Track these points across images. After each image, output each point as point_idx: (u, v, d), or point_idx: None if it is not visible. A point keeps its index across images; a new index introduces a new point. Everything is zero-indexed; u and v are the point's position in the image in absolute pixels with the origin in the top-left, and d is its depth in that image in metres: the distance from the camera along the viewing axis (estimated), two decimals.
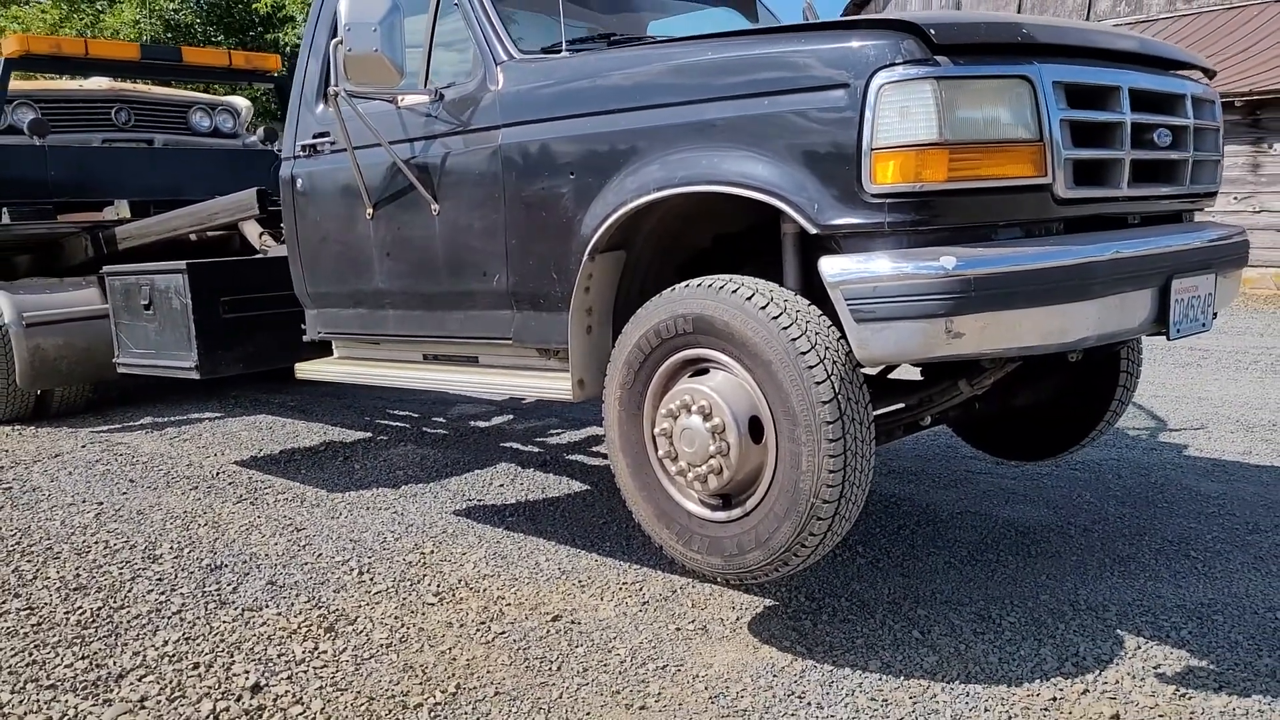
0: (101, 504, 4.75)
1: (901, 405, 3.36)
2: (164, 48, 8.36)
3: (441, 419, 6.46)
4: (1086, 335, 2.62)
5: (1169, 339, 2.93)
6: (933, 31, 2.49)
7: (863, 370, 2.77)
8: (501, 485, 4.91)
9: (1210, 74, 3.45)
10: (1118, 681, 2.87)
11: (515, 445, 5.73)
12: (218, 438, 6.08)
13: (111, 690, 2.96)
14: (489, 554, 3.97)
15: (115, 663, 3.13)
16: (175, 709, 2.84)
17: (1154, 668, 2.93)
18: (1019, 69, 2.57)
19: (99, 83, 7.87)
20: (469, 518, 4.43)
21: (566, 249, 3.20)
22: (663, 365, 3.01)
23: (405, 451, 5.61)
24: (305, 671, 3.04)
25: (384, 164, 3.73)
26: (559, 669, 3.02)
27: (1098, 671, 2.92)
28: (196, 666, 3.09)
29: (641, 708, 2.80)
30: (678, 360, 2.98)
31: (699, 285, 2.89)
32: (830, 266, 2.58)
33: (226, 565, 3.93)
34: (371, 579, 3.75)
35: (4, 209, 6.70)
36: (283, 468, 5.35)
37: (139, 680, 3.02)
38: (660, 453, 2.99)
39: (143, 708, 2.86)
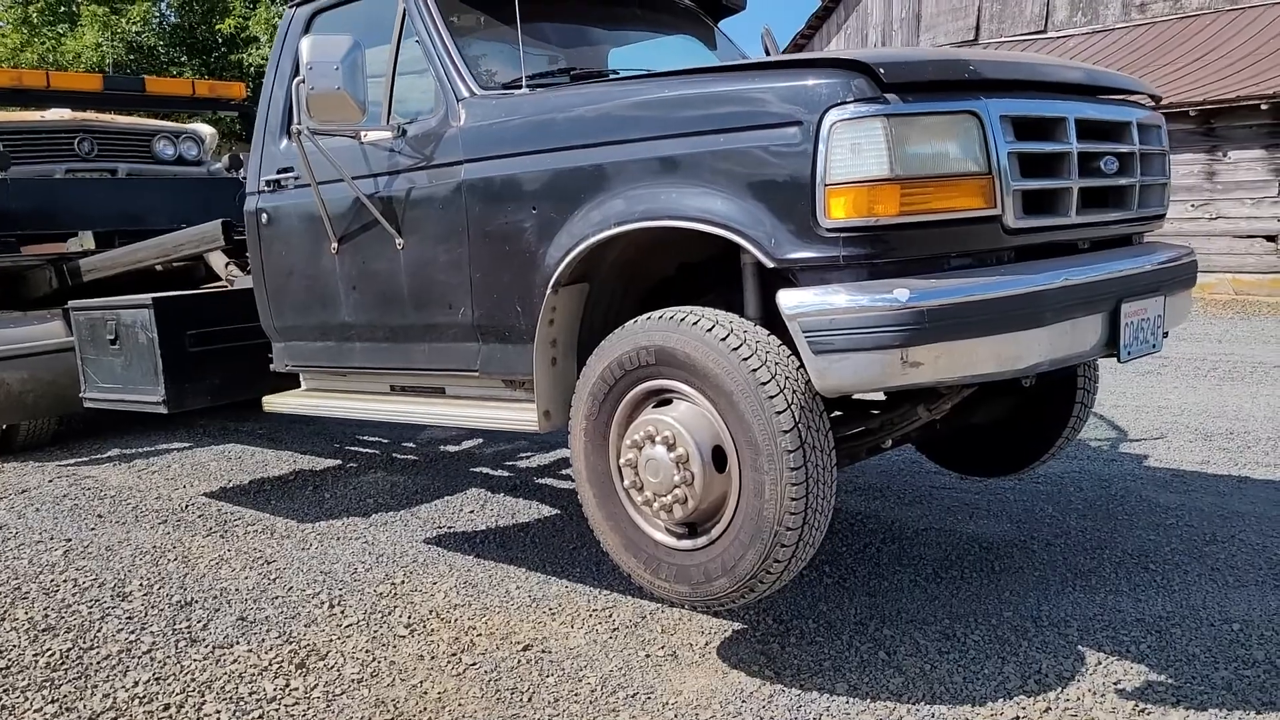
0: (69, 540, 4.72)
1: (862, 429, 3.42)
2: (127, 78, 8.31)
3: (411, 444, 6.47)
4: (1039, 361, 2.69)
5: (1120, 361, 3.00)
6: (882, 70, 2.56)
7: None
8: (472, 511, 4.92)
9: (1156, 100, 3.55)
10: (1079, 699, 2.93)
11: (485, 470, 5.74)
12: (186, 469, 6.06)
13: None
14: (460, 583, 3.99)
15: (85, 705, 3.12)
16: None
17: (1114, 683, 3.00)
18: (966, 104, 2.64)
19: (61, 113, 7.83)
20: (440, 546, 4.44)
21: (530, 282, 3.24)
22: (626, 396, 3.05)
23: (375, 479, 5.62)
24: (276, 710, 3.05)
25: (348, 199, 3.76)
26: (530, 700, 3.05)
27: (1060, 689, 2.98)
28: (168, 708, 3.09)
29: None
30: (641, 391, 3.02)
31: (660, 317, 2.94)
32: (788, 299, 2.64)
33: (196, 601, 3.92)
34: (342, 612, 3.76)
35: None
36: (252, 498, 5.34)
37: None
38: (626, 483, 3.03)
39: None
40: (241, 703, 3.10)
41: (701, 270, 3.43)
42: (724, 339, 2.77)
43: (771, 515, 2.73)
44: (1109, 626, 3.36)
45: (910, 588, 3.76)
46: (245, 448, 6.55)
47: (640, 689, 3.08)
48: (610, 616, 3.60)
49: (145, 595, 4.01)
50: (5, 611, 3.90)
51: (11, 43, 27.77)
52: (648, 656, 3.29)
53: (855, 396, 3.74)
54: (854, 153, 2.54)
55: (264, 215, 4.18)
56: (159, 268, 6.47)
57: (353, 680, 3.22)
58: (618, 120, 3.05)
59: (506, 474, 5.63)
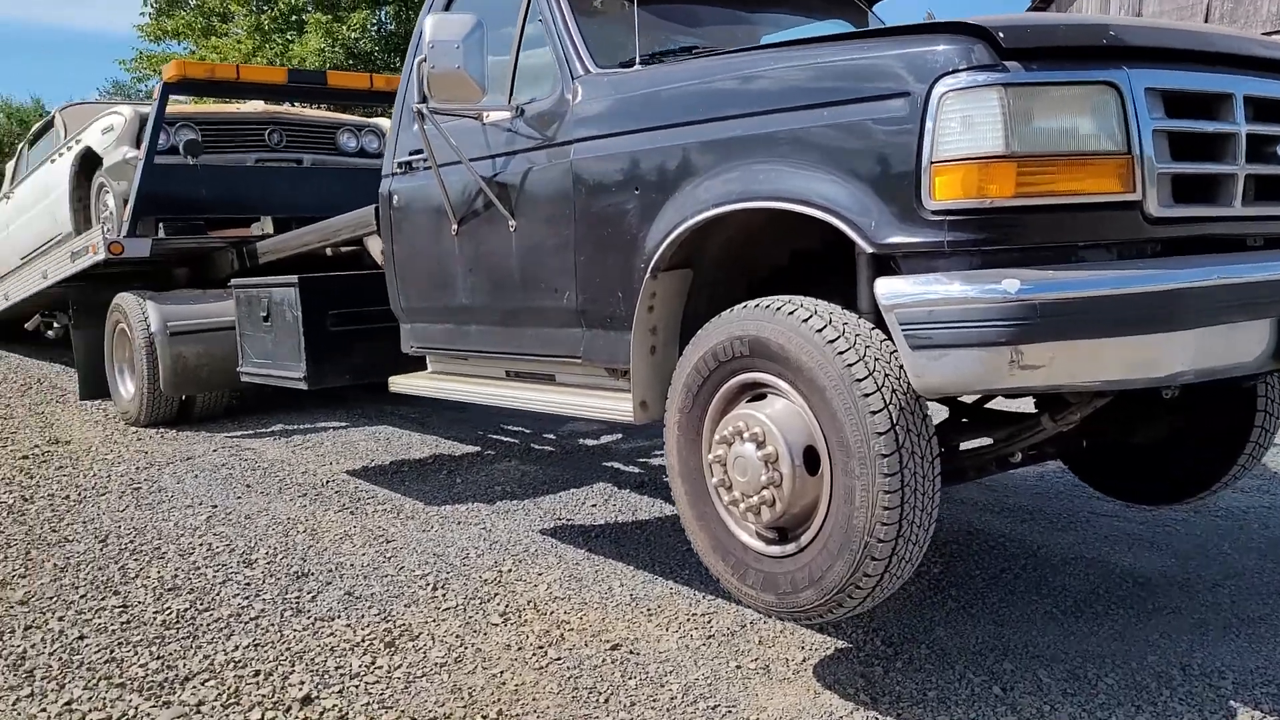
0: (216, 508, 4.93)
1: (979, 439, 3.11)
2: (310, 72, 8.76)
3: (552, 435, 6.46)
4: (1181, 370, 2.34)
5: None
6: (1001, 35, 2.29)
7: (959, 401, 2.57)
8: (594, 505, 4.84)
9: None
10: None
11: (617, 465, 5.66)
12: (337, 446, 6.26)
13: (174, 692, 3.03)
14: (565, 575, 3.90)
15: (185, 665, 3.20)
16: (227, 715, 2.88)
17: None
18: (1102, 74, 2.33)
19: (255, 106, 8.29)
20: (554, 537, 4.38)
21: (630, 267, 3.11)
22: (721, 389, 2.87)
23: (508, 467, 5.63)
24: (357, 686, 3.03)
25: (466, 180, 3.74)
26: (606, 702, 2.92)
27: None
28: (257, 674, 3.13)
29: None
30: (735, 384, 2.84)
31: (756, 306, 2.75)
32: (885, 288, 2.40)
33: (312, 574, 3.99)
34: (444, 595, 3.74)
35: (160, 224, 7.10)
36: (389, 479, 5.44)
37: (201, 684, 3.08)
38: (714, 480, 2.86)
39: (198, 712, 2.91)
40: (326, 675, 3.10)
41: (816, 260, 3.21)
42: (820, 330, 2.56)
43: (862, 525, 2.49)
44: (1272, 683, 2.93)
45: (1044, 620, 3.40)
46: (395, 430, 6.72)
47: (723, 701, 2.90)
48: (709, 623, 3.42)
49: (268, 564, 4.12)
50: (141, 570, 4.09)
51: (245, 48, 29.91)
52: (738, 668, 3.10)
53: (986, 404, 3.43)
54: (965, 126, 2.29)
55: (395, 198, 4.22)
56: (329, 252, 6.71)
57: (436, 664, 3.17)
58: (720, 95, 2.88)
59: (636, 470, 5.52)
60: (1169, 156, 2.40)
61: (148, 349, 6.48)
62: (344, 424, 6.96)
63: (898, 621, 3.40)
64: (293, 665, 3.18)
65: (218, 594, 3.80)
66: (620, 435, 6.39)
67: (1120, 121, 2.33)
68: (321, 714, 2.88)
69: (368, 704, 2.92)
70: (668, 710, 2.86)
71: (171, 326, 6.37)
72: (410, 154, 4.16)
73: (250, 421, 7.09)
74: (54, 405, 7.78)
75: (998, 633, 3.31)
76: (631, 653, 3.22)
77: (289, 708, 2.91)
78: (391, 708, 2.90)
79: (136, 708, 2.94)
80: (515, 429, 6.69)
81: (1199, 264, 2.39)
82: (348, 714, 2.87)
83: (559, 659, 3.19)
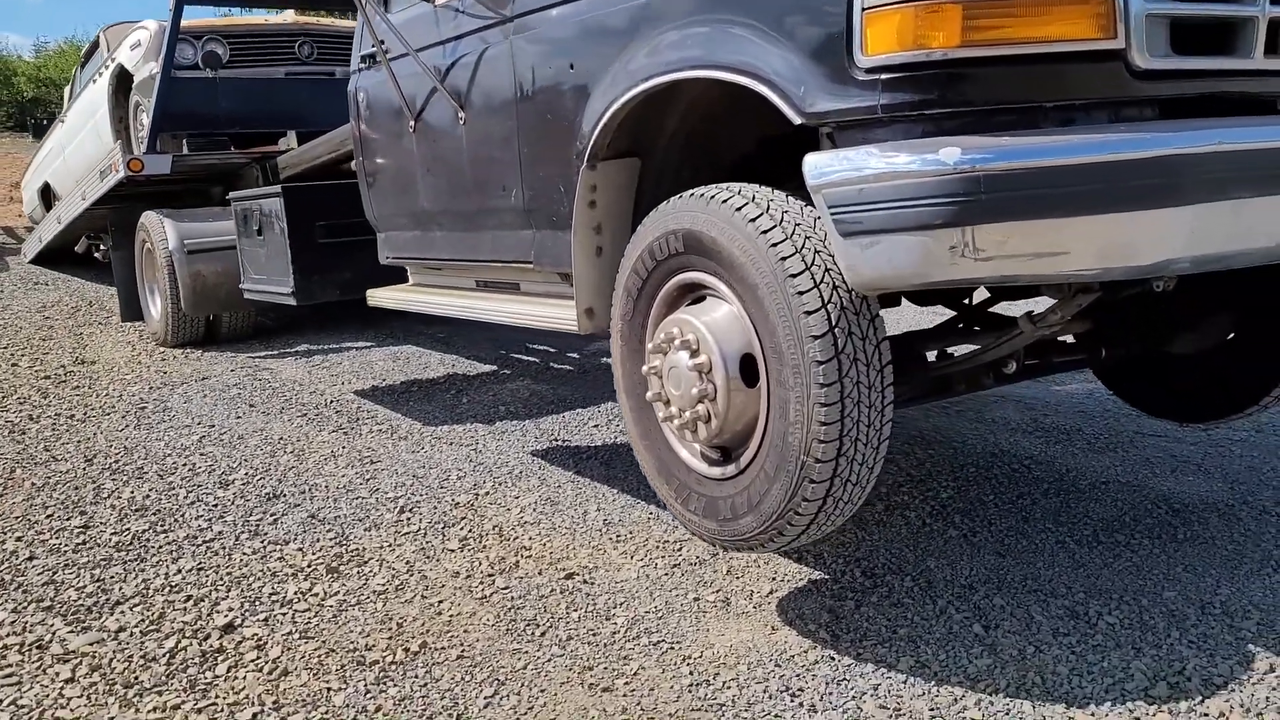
0: (213, 427, 4.82)
1: (950, 350, 2.73)
2: None
3: (575, 354, 6.20)
4: (1172, 257, 1.92)
5: None
6: None
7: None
8: (596, 426, 4.57)
9: None
10: (1221, 715, 2.19)
11: None
12: (355, 366, 6.10)
13: (99, 617, 2.89)
14: (542, 499, 3.65)
15: (120, 589, 3.06)
16: (141, 642, 2.72)
17: None
18: None
19: (285, 17, 8.06)
20: (544, 458, 4.13)
21: (569, 156, 2.77)
22: (660, 292, 2.55)
23: (518, 387, 5.39)
24: (285, 614, 2.85)
25: (419, 72, 3.42)
26: (542, 635, 2.67)
27: (1199, 698, 2.24)
28: (189, 600, 2.97)
29: (605, 690, 2.40)
30: (674, 286, 2.51)
31: (692, 195, 2.40)
32: (811, 165, 2.03)
33: (284, 495, 3.83)
34: (409, 519, 3.53)
35: (184, 140, 6.97)
36: (394, 399, 5.26)
37: (129, 609, 2.93)
38: (650, 394, 2.55)
39: (114, 639, 2.76)
40: (257, 602, 2.93)
41: (792, 144, 2.82)
42: (754, 219, 2.21)
43: (798, 442, 2.17)
44: None
45: (1055, 550, 3.03)
46: (418, 349, 6.54)
47: (667, 637, 2.62)
48: (678, 551, 3.14)
49: (244, 484, 3.97)
50: (116, 490, 3.98)
51: None
52: (696, 600, 2.82)
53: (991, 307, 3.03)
54: None
55: (360, 95, 3.94)
56: (346, 167, 6.50)
57: (375, 592, 2.97)
58: None
59: None
60: None
61: (169, 268, 6.39)
62: (369, 344, 6.81)
63: (886, 550, 3.07)
64: (228, 591, 3.02)
65: (182, 515, 3.67)
66: None
67: None
68: (239, 643, 2.70)
69: (289, 633, 2.73)
70: (605, 645, 2.60)
71: (189, 244, 6.25)
72: (374, 46, 3.85)
73: (277, 341, 7.00)
74: (96, 327, 7.81)
75: (998, 564, 2.96)
76: (585, 582, 2.97)
77: (208, 635, 2.74)
78: (314, 638, 2.71)
79: (55, 632, 2.80)
80: (539, 348, 6.44)
81: (1195, 126, 1.95)
82: (265, 643, 2.69)
83: (506, 588, 2.96)
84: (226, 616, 2.84)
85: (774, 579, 2.92)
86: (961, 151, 1.82)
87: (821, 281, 2.11)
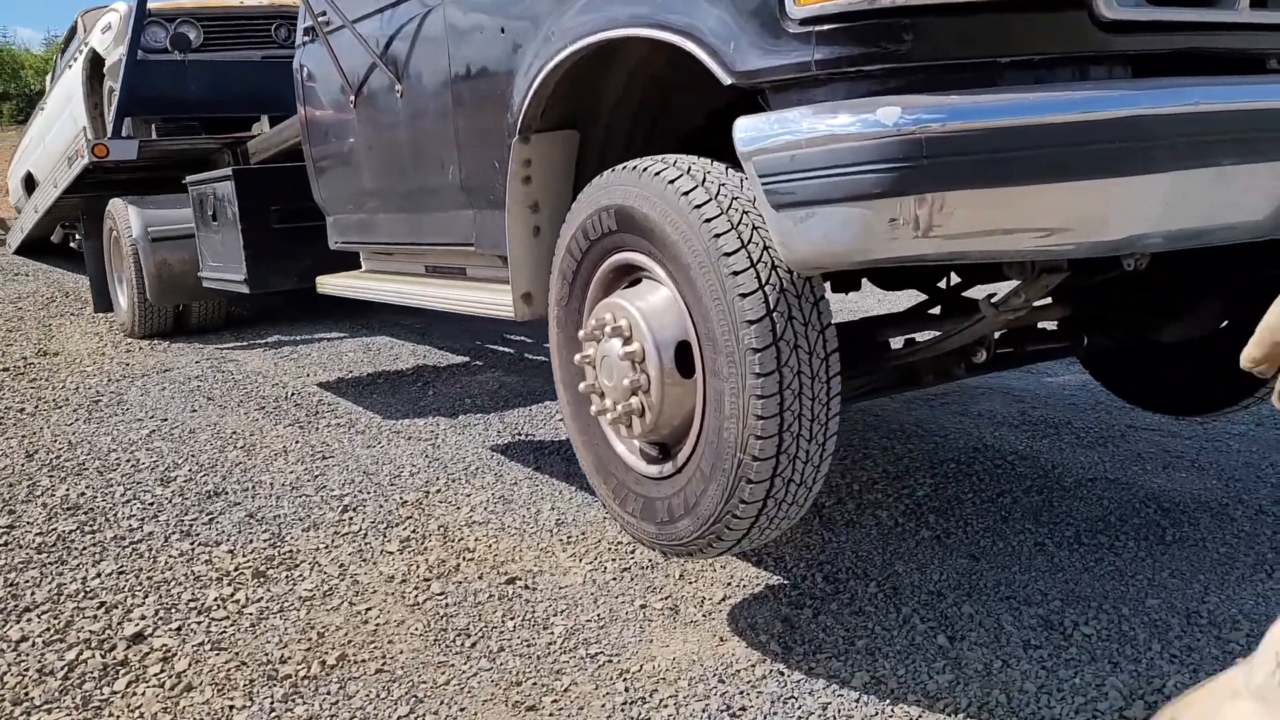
0: (165, 421, 4.62)
1: (917, 338, 2.51)
2: None
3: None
4: (1142, 232, 1.71)
5: None
6: None
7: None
8: (562, 420, 4.35)
9: None
10: None
11: None
12: (324, 357, 5.91)
13: (2, 625, 2.69)
14: (495, 497, 3.45)
15: (32, 595, 2.87)
16: (42, 654, 2.53)
17: None
18: None
19: (261, 0, 7.84)
20: (504, 453, 3.93)
21: (503, 129, 2.56)
22: (596, 275, 2.34)
23: (488, 379, 5.18)
24: (200, 623, 2.65)
25: (357, 44, 3.20)
26: (473, 646, 2.47)
27: None
28: (101, 606, 2.78)
29: (530, 709, 2.20)
30: (610, 268, 2.30)
31: (625, 169, 2.19)
32: (741, 129, 1.82)
33: (226, 493, 3.63)
34: (352, 518, 3.33)
35: (152, 125, 6.77)
36: (359, 391, 5.06)
37: (36, 617, 2.74)
38: (583, 386, 2.34)
39: (15, 649, 2.56)
40: (173, 609, 2.73)
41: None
42: (687, 193, 1.99)
43: (734, 438, 1.96)
44: None
45: (1032, 553, 2.82)
46: (392, 340, 6.34)
47: (608, 648, 2.42)
48: (631, 553, 2.94)
49: (186, 481, 3.78)
50: (51, 487, 3.80)
51: None
52: (643, 608, 2.62)
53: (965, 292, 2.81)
54: None
55: (304, 70, 3.73)
56: None
57: (301, 598, 2.77)
58: None
59: None
60: None
61: (134, 256, 6.20)
62: (342, 335, 6.61)
63: (853, 553, 2.86)
64: (144, 597, 2.82)
65: (114, 514, 3.47)
66: None
67: None
68: (145, 655, 2.50)
69: (201, 644, 2.54)
70: (538, 658, 2.40)
71: (153, 232, 6.06)
72: (314, 19, 3.64)
73: (249, 332, 6.81)
74: (67, 318, 7.63)
75: (970, 568, 2.75)
76: (527, 587, 2.77)
77: (113, 646, 2.55)
78: (226, 649, 2.51)
79: None
80: (515, 339, 6.24)
81: (1170, 84, 1.72)
82: (173, 655, 2.49)
83: (441, 594, 2.76)
84: (137, 625, 2.64)
85: (729, 584, 2.71)
86: (902, 111, 1.60)
87: (759, 261, 1.90)
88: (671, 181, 2.03)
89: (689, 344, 2.09)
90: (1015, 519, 3.05)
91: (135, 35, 6.35)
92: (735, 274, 1.90)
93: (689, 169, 2.04)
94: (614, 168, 2.24)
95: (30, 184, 10.50)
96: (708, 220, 1.94)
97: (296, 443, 4.20)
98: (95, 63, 7.71)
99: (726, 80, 1.87)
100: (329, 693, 2.29)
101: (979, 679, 2.21)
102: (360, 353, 6.00)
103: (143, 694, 2.32)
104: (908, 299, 3.72)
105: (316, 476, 3.77)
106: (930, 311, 2.87)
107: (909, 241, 1.65)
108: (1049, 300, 2.57)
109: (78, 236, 9.72)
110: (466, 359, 5.73)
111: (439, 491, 3.54)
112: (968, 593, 2.60)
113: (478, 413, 4.54)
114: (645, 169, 2.11)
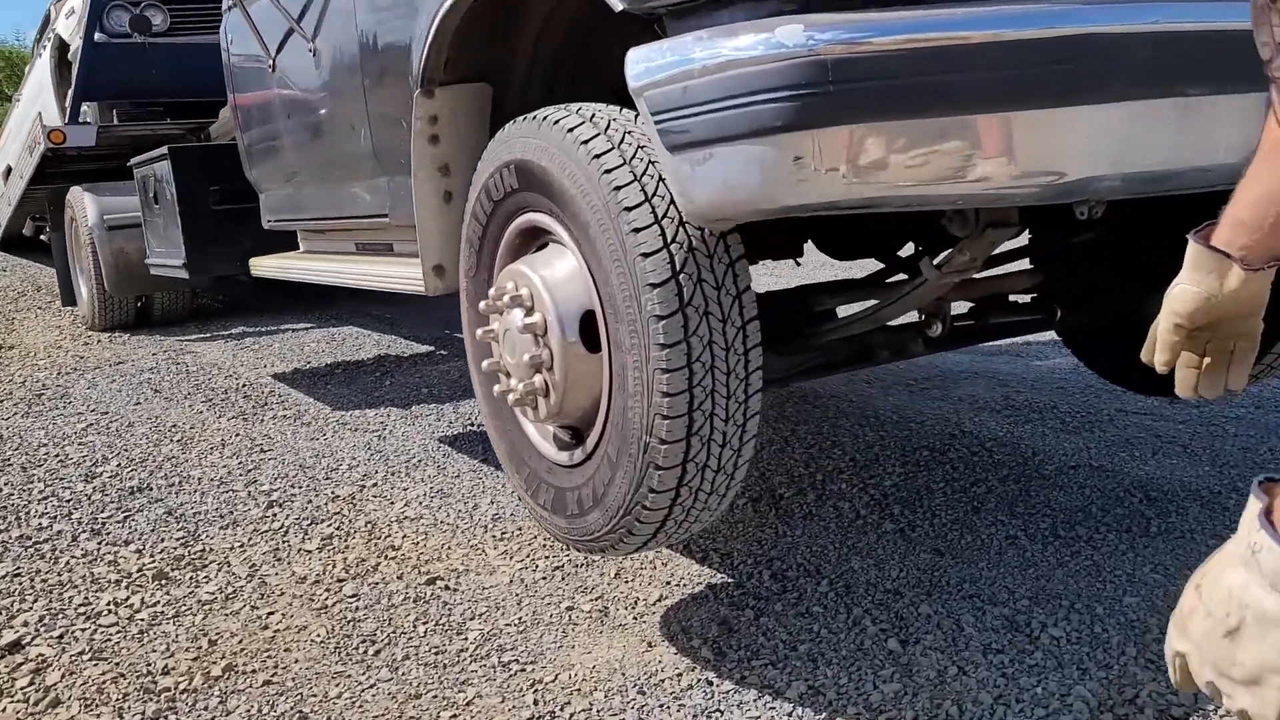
0: (105, 414, 4.40)
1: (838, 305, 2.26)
2: None
3: None
4: (1098, 174, 1.45)
5: None
6: None
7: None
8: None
9: None
10: None
11: None
12: (284, 348, 5.68)
13: None
14: (433, 490, 3.22)
15: None
16: None
17: None
18: None
19: None
20: (450, 444, 3.69)
21: (408, 83, 2.32)
22: (503, 241, 2.10)
23: (450, 368, 4.95)
24: (85, 630, 2.42)
25: (271, 2, 2.97)
26: (376, 654, 2.24)
27: None
28: None
29: None
30: (515, 233, 2.06)
31: (527, 119, 1.95)
32: (631, 61, 1.57)
33: (150, 489, 3.41)
34: (275, 514, 3.10)
35: (114, 110, 6.55)
36: (313, 381, 4.84)
37: None
38: (487, 363, 2.10)
39: None
40: (59, 616, 2.50)
41: None
42: (587, 142, 1.75)
43: (638, 419, 1.71)
44: None
45: (1003, 547, 2.57)
46: (358, 330, 6.12)
47: (522, 656, 2.18)
48: (566, 551, 2.69)
49: (111, 477, 3.56)
50: None
51: None
52: (569, 610, 2.38)
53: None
54: None
55: (229, 35, 3.49)
56: None
57: (200, 602, 2.54)
58: None
59: None
60: None
61: (91, 245, 5.98)
62: (308, 324, 6.39)
63: (807, 548, 2.62)
64: (34, 601, 2.59)
65: (26, 512, 3.25)
66: None
67: None
68: (16, 666, 2.27)
69: (80, 653, 2.31)
70: (445, 667, 2.16)
71: (109, 219, 5.83)
72: None
73: (214, 324, 6.59)
74: (33, 312, 7.43)
75: (933, 564, 2.50)
76: (448, 588, 2.53)
77: None
78: (107, 659, 2.28)
79: None
80: None
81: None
82: (47, 666, 2.26)
83: (354, 597, 2.52)
84: (17, 633, 2.42)
85: (668, 583, 2.47)
86: (804, 29, 1.35)
87: (664, 217, 1.65)
88: (571, 130, 1.79)
89: (594, 314, 1.85)
90: (988, 510, 2.80)
91: (92, 17, 6.12)
92: (637, 231, 1.65)
93: (591, 116, 1.80)
94: (517, 119, 1.99)
95: (10, 178, 10.32)
96: (608, 171, 1.70)
97: (236, 435, 3.97)
98: (62, 49, 7.49)
99: (618, 5, 1.62)
100: (206, 708, 2.06)
101: (929, 688, 1.96)
102: (323, 343, 5.78)
103: (2, 710, 2.09)
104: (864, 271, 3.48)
105: (249, 471, 3.54)
106: (886, 280, 2.61)
107: (821, 185, 1.40)
108: (1013, 267, 2.32)
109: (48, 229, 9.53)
110: (431, 348, 5.50)
111: (375, 485, 3.31)
112: (927, 591, 2.35)
113: (432, 403, 4.30)
114: (545, 118, 1.87)
